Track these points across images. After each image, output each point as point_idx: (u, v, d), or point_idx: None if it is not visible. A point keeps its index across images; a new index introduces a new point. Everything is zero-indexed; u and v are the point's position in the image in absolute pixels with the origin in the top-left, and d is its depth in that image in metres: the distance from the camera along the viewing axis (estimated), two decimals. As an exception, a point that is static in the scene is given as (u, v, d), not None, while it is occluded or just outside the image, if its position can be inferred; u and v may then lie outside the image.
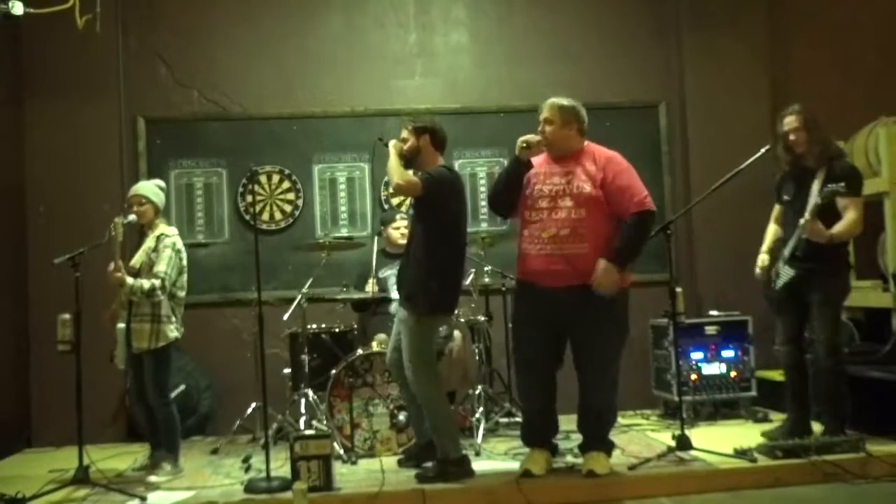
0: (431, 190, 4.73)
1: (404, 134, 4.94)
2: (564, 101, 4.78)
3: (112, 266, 4.90)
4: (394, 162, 4.79)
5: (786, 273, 5.15)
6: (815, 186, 5.01)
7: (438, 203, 4.77)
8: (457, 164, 7.18)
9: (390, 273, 5.90)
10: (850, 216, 4.97)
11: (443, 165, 4.91)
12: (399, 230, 6.04)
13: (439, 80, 7.31)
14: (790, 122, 5.19)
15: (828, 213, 4.92)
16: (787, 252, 5.15)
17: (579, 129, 4.77)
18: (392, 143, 4.89)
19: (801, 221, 4.90)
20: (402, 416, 5.37)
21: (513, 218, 5.05)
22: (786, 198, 5.28)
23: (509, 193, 4.82)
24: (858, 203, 5.02)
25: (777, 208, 5.45)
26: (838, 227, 4.95)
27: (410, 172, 4.82)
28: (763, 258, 5.40)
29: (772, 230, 5.47)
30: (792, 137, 5.18)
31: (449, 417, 4.89)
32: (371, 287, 5.83)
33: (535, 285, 4.70)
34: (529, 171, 4.79)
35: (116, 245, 4.90)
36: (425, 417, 4.89)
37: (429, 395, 4.78)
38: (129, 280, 4.92)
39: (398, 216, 6.20)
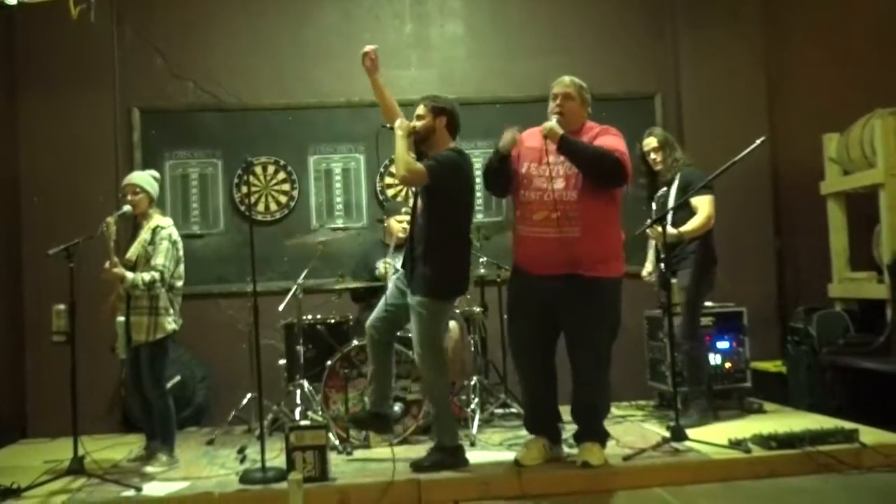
0: (438, 177, 4.65)
1: (421, 111, 4.83)
2: (578, 80, 4.77)
3: (108, 264, 4.89)
4: (400, 150, 4.64)
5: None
6: (672, 195, 5.59)
7: (446, 188, 4.70)
8: (452, 156, 7.16)
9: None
10: (701, 213, 5.51)
11: (452, 148, 4.81)
12: (402, 223, 5.90)
13: (435, 72, 7.29)
14: (649, 142, 5.81)
15: (686, 213, 5.51)
16: (659, 262, 5.67)
17: (587, 107, 4.80)
18: (398, 124, 4.74)
19: (648, 231, 5.36)
20: (396, 408, 5.36)
21: (508, 195, 4.98)
22: (654, 208, 5.69)
23: (497, 177, 4.79)
24: (709, 200, 5.54)
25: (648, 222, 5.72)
26: (688, 226, 5.49)
27: (414, 160, 4.68)
28: (646, 268, 6.04)
29: (653, 244, 5.97)
30: (652, 156, 5.79)
31: (449, 407, 4.91)
32: (382, 269, 5.79)
33: (529, 272, 4.69)
34: (526, 143, 4.75)
35: (110, 243, 4.90)
36: (431, 405, 4.89)
37: (436, 382, 4.78)
38: (130, 275, 4.92)
39: (403, 209, 6.07)
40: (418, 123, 4.79)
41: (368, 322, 4.96)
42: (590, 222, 4.53)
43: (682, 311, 5.45)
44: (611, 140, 4.62)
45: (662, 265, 5.45)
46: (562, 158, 4.59)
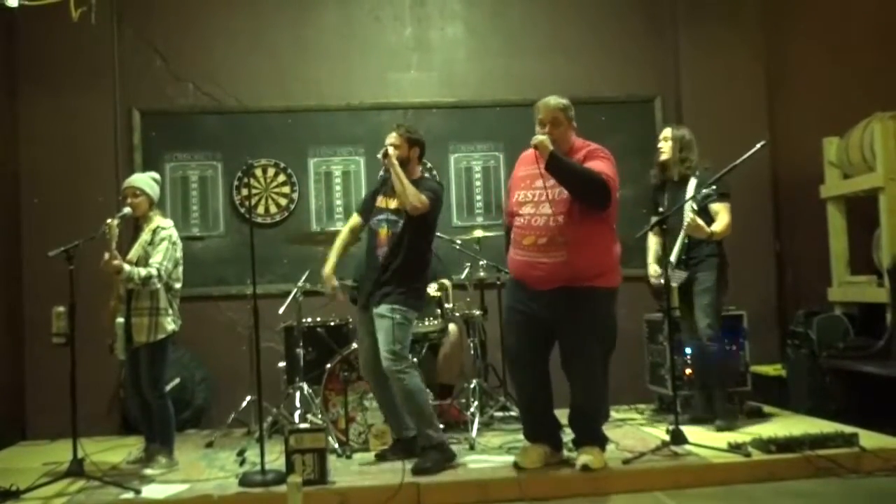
0: (434, 208, 4.95)
1: (395, 140, 5.00)
2: (563, 101, 4.73)
3: (107, 256, 4.89)
4: (407, 181, 4.87)
5: (678, 276, 5.57)
6: (689, 193, 5.48)
7: (434, 216, 5.03)
8: (452, 159, 7.19)
9: None
10: (723, 218, 5.55)
11: (434, 179, 5.17)
12: None
13: (435, 74, 7.30)
14: (665, 132, 5.87)
15: (702, 217, 5.43)
16: (673, 257, 5.56)
17: (574, 126, 4.77)
18: (392, 153, 4.93)
19: (686, 222, 5.31)
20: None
21: None
22: (661, 209, 5.66)
23: None
24: (728, 207, 5.59)
25: (654, 220, 5.72)
26: (716, 227, 5.50)
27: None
28: (654, 268, 5.86)
29: (654, 241, 5.92)
30: (660, 144, 5.83)
31: (429, 404, 4.98)
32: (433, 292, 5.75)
33: (522, 284, 4.71)
34: (518, 172, 4.81)
35: (112, 244, 4.90)
36: (409, 409, 4.91)
37: (411, 383, 4.82)
38: (127, 267, 4.92)
39: None
40: (396, 152, 4.97)
41: (361, 364, 5.14)
42: (577, 246, 4.51)
43: (705, 313, 5.55)
44: (599, 164, 4.60)
45: (662, 265, 5.52)
46: (550, 183, 4.58)
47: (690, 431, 5.10)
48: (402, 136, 5.02)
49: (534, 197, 4.64)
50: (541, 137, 4.52)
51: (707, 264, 5.62)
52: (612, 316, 4.73)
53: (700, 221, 5.34)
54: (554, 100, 4.73)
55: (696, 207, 5.34)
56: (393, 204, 4.99)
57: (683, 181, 5.68)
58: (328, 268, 5.14)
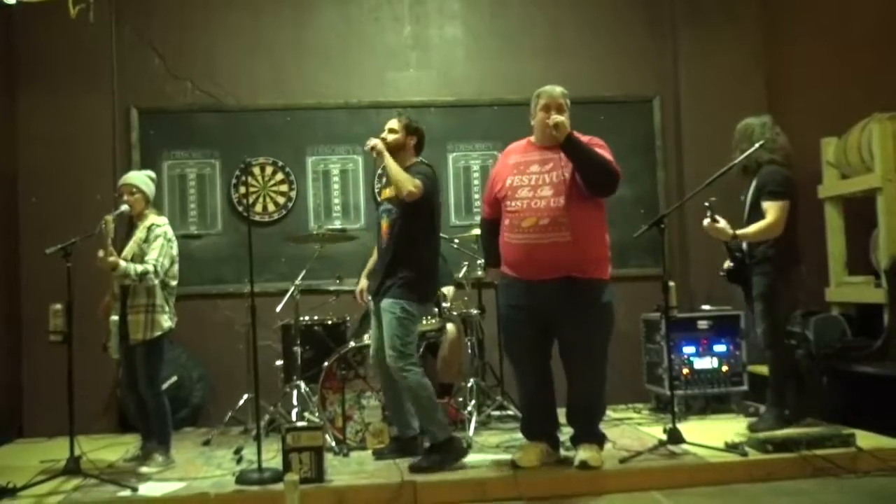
0: (428, 191, 4.85)
1: (394, 125, 5.00)
2: (564, 90, 4.74)
3: (102, 252, 4.88)
4: (397, 168, 4.82)
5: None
6: (751, 189, 5.35)
7: (430, 201, 4.91)
8: (450, 157, 7.18)
9: None
10: (766, 219, 5.22)
11: (424, 162, 5.03)
12: None
13: (433, 73, 7.29)
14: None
15: (755, 215, 5.27)
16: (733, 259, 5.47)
17: None
18: (379, 146, 4.88)
19: (704, 222, 5.10)
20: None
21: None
22: (742, 198, 5.50)
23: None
24: (778, 207, 5.22)
25: None
26: (747, 230, 5.24)
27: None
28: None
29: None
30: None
31: (435, 401, 4.92)
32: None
33: (519, 280, 4.68)
34: (508, 161, 4.78)
35: (108, 240, 4.89)
36: (413, 405, 4.91)
37: (416, 380, 4.81)
38: (122, 263, 4.91)
39: None
40: (390, 137, 4.96)
41: (371, 354, 5.11)
42: (580, 227, 4.52)
43: (760, 319, 5.36)
44: (605, 153, 4.61)
45: (729, 262, 5.41)
46: (547, 168, 4.60)
47: (690, 431, 5.11)
48: (401, 122, 5.02)
49: (530, 181, 4.62)
50: (560, 118, 4.51)
51: (761, 268, 5.34)
52: (611, 310, 4.72)
53: (721, 223, 5.06)
54: (559, 88, 4.73)
55: (707, 205, 5.06)
56: (388, 193, 4.98)
57: (752, 174, 5.42)
58: (364, 271, 5.26)
